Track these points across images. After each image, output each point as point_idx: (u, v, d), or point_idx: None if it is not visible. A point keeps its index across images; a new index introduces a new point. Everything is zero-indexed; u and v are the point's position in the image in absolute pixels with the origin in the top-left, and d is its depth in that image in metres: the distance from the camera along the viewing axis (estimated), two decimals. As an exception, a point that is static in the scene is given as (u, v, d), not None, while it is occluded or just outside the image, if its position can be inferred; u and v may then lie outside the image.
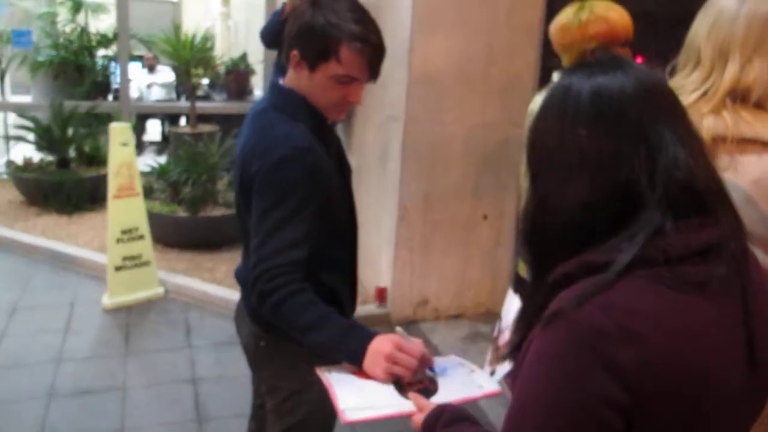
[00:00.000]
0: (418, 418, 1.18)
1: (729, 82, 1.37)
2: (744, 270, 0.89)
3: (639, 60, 2.30)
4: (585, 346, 0.80)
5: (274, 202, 1.52)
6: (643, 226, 0.84)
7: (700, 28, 1.44)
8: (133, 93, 8.90)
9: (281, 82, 1.65)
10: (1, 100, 7.28)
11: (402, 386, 1.38)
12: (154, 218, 4.76)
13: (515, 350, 0.95)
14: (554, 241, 0.91)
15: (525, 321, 0.94)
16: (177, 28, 6.07)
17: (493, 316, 4.22)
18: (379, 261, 4.17)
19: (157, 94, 8.99)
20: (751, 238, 0.97)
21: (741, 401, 0.89)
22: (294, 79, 1.60)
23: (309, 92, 1.59)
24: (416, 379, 1.40)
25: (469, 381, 1.44)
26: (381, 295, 4.08)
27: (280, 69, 4.00)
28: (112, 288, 4.11)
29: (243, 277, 1.76)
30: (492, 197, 4.02)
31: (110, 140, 4.01)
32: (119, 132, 4.03)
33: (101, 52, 7.54)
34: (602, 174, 0.86)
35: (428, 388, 1.38)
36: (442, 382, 1.41)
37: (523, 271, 2.60)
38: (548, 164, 0.92)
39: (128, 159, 4.06)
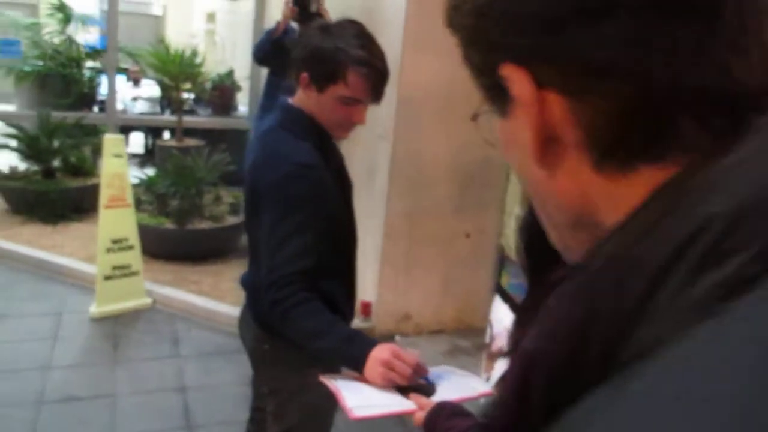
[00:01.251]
0: (420, 416, 1.26)
1: None
2: None
3: None
4: None
5: (281, 216, 1.63)
6: None
7: None
8: (118, 105, 8.95)
9: (290, 101, 1.76)
10: (-15, 110, 7.29)
11: (402, 390, 1.48)
12: (141, 229, 4.80)
13: (513, 349, 1.02)
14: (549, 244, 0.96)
15: (524, 321, 1.00)
16: (165, 42, 6.16)
17: (472, 331, 4.34)
18: (364, 276, 4.26)
19: (141, 107, 9.03)
20: None
21: None
22: (303, 99, 1.71)
23: (317, 112, 1.70)
24: (414, 384, 1.50)
25: (464, 384, 1.55)
26: (366, 309, 4.18)
27: (271, 88, 4.16)
28: (100, 297, 4.16)
29: (249, 285, 1.86)
30: (474, 216, 4.15)
31: (104, 151, 4.09)
32: (113, 143, 4.10)
33: (89, 64, 7.58)
34: None
35: (427, 391, 1.48)
36: (439, 386, 1.52)
37: (504, 282, 2.73)
38: None
39: (121, 170, 4.13)
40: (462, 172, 4.05)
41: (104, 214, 4.11)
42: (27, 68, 7.24)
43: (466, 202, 4.12)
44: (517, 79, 0.47)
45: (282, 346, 1.76)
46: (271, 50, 4.13)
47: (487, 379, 1.57)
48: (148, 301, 4.33)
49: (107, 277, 4.16)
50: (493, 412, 0.58)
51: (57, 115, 6.14)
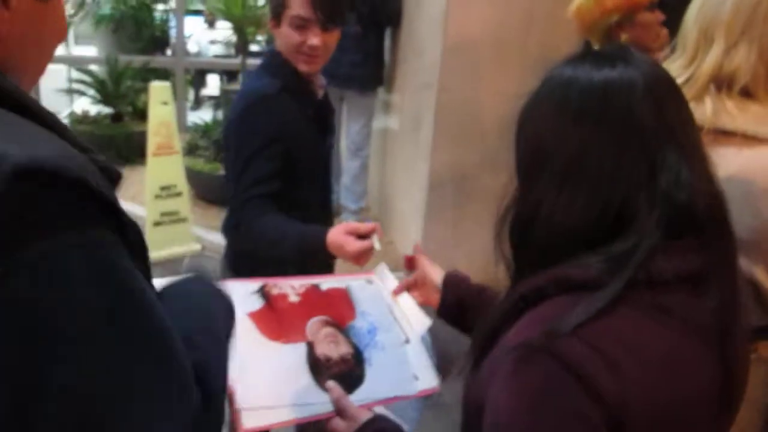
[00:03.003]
0: (340, 427, 1.06)
1: (711, 67, 1.28)
2: (729, 305, 0.83)
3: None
4: (571, 381, 0.72)
5: (241, 144, 1.72)
6: (632, 248, 0.77)
7: (691, 8, 1.35)
8: (193, 48, 9.06)
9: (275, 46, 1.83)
10: (66, 53, 7.51)
11: (319, 367, 1.21)
12: (195, 176, 4.86)
13: (476, 363, 0.88)
14: (540, 251, 0.85)
15: (489, 331, 0.87)
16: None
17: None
18: (408, 229, 4.16)
19: (215, 50, 9.09)
20: None
21: None
22: (277, 43, 1.80)
23: (282, 47, 1.77)
24: (338, 356, 1.25)
25: (403, 367, 1.29)
26: (411, 263, 4.07)
27: None
28: (149, 243, 4.22)
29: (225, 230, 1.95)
30: (526, 170, 3.94)
31: (150, 98, 4.10)
32: (159, 91, 4.10)
33: (160, 7, 7.65)
34: (601, 186, 0.79)
35: (352, 372, 1.23)
36: (369, 367, 1.26)
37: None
38: (542, 165, 0.84)
39: (167, 118, 4.14)
40: (512, 125, 3.82)
41: (152, 161, 4.15)
42: (103, 12, 7.39)
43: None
44: None
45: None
46: None
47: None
48: (197, 247, 4.38)
49: (156, 223, 4.22)
50: None
51: (125, 58, 6.24)
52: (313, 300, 1.40)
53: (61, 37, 0.87)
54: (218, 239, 4.63)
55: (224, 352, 0.91)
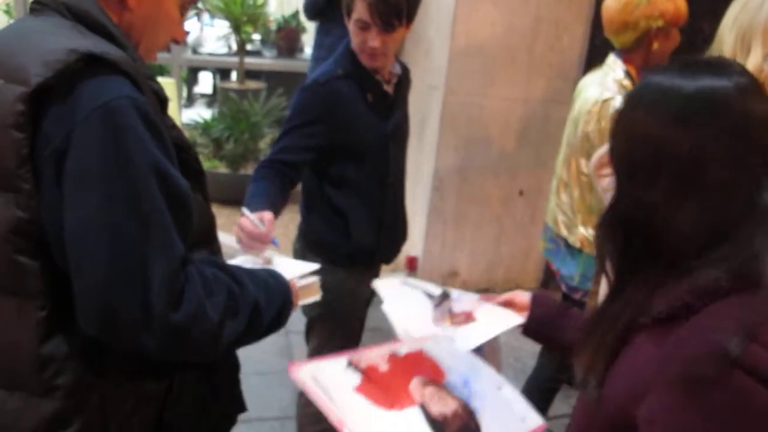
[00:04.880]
0: None
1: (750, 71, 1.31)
2: None
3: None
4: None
5: (287, 119, 2.03)
6: (753, 255, 0.79)
7: (727, 18, 1.39)
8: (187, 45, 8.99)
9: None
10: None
11: (438, 427, 1.22)
12: (195, 173, 4.84)
13: (600, 378, 0.87)
14: (652, 254, 0.85)
15: (612, 347, 0.87)
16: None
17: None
18: (411, 230, 4.17)
19: (211, 48, 9.03)
20: None
21: None
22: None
23: (352, 43, 2.00)
24: (451, 412, 1.26)
25: (508, 410, 1.31)
26: (411, 263, 4.10)
27: (322, 37, 4.28)
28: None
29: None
30: (529, 174, 3.97)
31: (154, 95, 4.07)
32: (164, 87, 4.08)
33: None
34: (719, 193, 0.81)
35: (468, 425, 1.24)
36: (481, 417, 1.26)
37: (540, 246, 2.57)
38: (656, 170, 0.83)
39: (172, 114, 4.11)
40: (518, 128, 3.85)
41: (155, 157, 4.13)
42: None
43: (521, 160, 3.93)
44: None
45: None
46: (324, 3, 4.03)
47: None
48: (197, 244, 4.36)
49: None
50: None
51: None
52: (402, 365, 1.37)
53: (175, 35, 1.27)
54: (219, 237, 4.62)
55: (243, 305, 1.14)
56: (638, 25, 2.18)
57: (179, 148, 1.18)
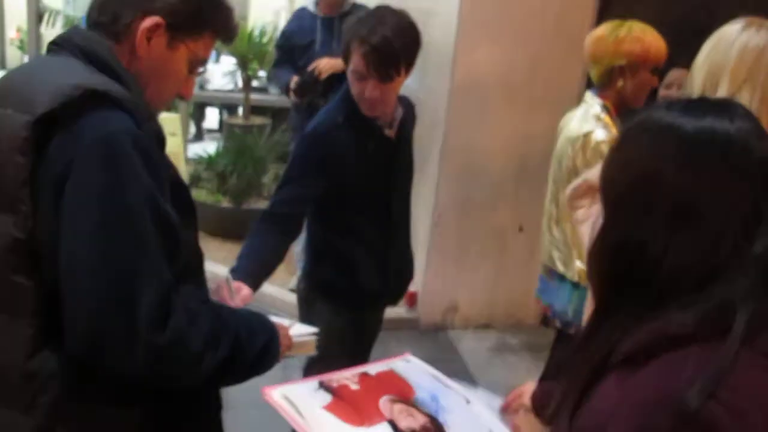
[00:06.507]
0: None
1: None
2: None
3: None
4: None
5: (286, 167, 2.05)
6: (731, 302, 0.77)
7: (699, 56, 1.42)
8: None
9: None
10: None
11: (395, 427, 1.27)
12: (198, 207, 4.84)
13: (570, 413, 0.86)
14: (636, 290, 0.84)
15: (583, 384, 0.86)
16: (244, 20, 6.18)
17: (522, 328, 4.19)
18: (412, 265, 4.19)
19: (218, 83, 9.16)
20: None
21: None
22: None
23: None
24: (419, 426, 1.30)
25: (476, 424, 1.35)
26: (411, 299, 4.09)
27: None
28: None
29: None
30: (529, 209, 3.97)
31: (159, 129, 4.13)
32: (168, 122, 4.15)
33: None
34: (712, 231, 0.79)
35: None
36: (449, 430, 1.31)
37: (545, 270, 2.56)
38: (648, 205, 0.82)
39: (176, 149, 4.18)
40: (518, 164, 3.88)
41: (158, 191, 4.17)
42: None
43: (521, 195, 3.95)
44: None
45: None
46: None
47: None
48: (198, 278, 4.38)
49: (159, 253, 4.22)
50: None
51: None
52: (372, 384, 1.44)
53: (181, 91, 1.30)
54: (219, 271, 4.61)
55: (227, 335, 1.17)
56: (602, 60, 2.23)
57: (176, 185, 1.24)
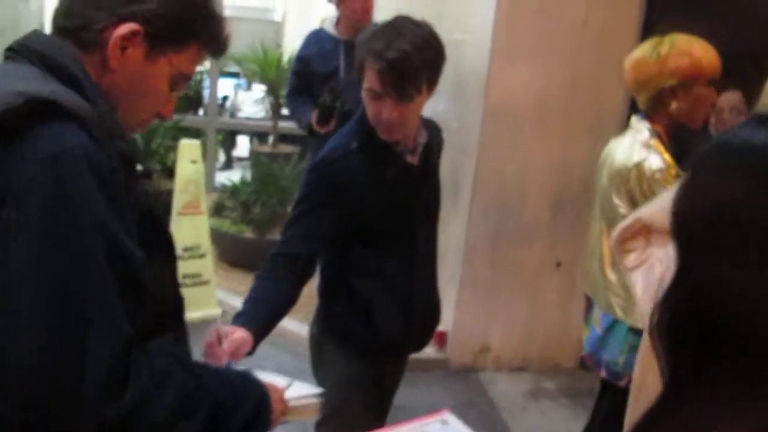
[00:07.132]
0: None
1: None
2: None
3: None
4: None
5: (296, 201, 1.83)
6: None
7: None
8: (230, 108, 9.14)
9: None
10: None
11: None
12: (221, 237, 4.72)
13: None
14: (727, 352, 0.67)
15: None
16: (265, 48, 6.10)
17: (559, 371, 3.92)
18: (442, 298, 3.95)
19: (249, 111, 9.12)
20: None
21: None
22: None
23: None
24: None
25: None
26: (440, 338, 3.85)
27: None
28: (169, 305, 4.07)
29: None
30: (567, 243, 3.72)
31: (179, 156, 3.99)
32: (188, 149, 4.00)
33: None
34: None
35: None
36: None
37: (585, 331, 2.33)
38: (738, 245, 0.69)
39: (196, 176, 4.02)
40: (554, 195, 3.64)
41: (177, 220, 4.01)
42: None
43: (558, 228, 3.71)
44: None
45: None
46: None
47: None
48: (217, 311, 4.19)
49: (177, 285, 4.06)
50: None
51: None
52: None
53: (161, 110, 1.12)
54: (239, 304, 4.46)
55: (199, 403, 1.00)
56: (648, 85, 2.01)
57: (149, 216, 1.07)
